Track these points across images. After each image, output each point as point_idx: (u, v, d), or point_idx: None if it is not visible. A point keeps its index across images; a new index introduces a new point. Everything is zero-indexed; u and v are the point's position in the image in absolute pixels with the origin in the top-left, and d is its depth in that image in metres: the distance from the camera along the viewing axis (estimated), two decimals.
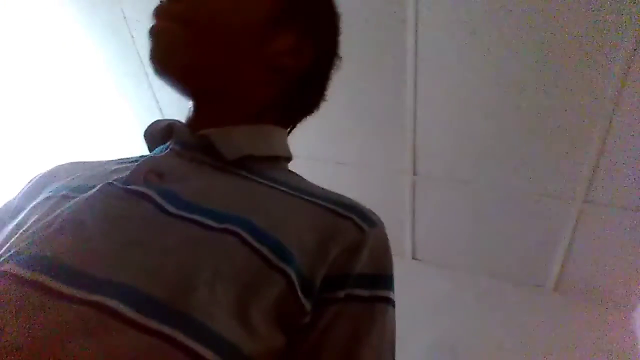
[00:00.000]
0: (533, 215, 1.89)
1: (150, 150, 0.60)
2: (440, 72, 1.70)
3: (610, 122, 1.54)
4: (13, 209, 0.56)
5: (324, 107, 0.68)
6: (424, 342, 1.94)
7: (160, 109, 2.35)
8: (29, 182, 0.61)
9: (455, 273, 2.20)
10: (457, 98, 1.73)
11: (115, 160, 0.59)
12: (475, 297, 2.10)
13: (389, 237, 0.55)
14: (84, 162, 0.60)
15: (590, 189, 1.71)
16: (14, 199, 0.59)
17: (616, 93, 1.48)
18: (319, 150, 2.10)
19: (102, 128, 2.57)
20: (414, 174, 2.00)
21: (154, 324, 0.39)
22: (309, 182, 0.57)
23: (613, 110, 1.52)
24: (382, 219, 0.55)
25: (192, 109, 0.60)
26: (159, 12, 0.55)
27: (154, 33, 0.55)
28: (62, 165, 0.61)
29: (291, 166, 0.65)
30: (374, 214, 0.54)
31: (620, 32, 1.39)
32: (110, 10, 2.08)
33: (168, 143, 0.55)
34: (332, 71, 0.65)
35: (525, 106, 1.64)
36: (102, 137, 2.59)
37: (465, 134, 1.80)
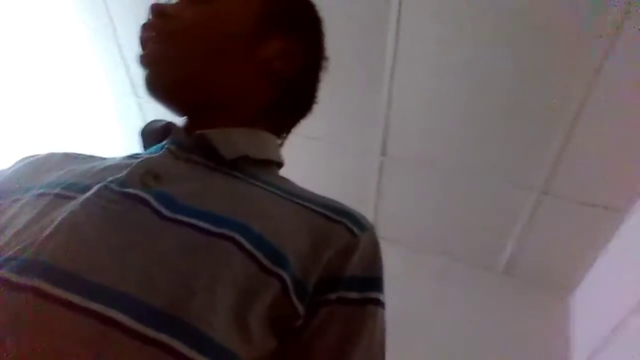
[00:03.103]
0: (492, 201, 1.97)
1: (145, 149, 0.60)
2: (419, 56, 1.69)
3: (576, 116, 1.61)
4: None
5: None
6: None
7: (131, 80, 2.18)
8: (19, 162, 0.59)
9: (410, 252, 2.26)
10: (433, 82, 1.74)
11: (109, 157, 0.59)
12: (428, 276, 2.19)
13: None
14: (77, 155, 0.60)
15: (550, 181, 1.80)
16: None
17: (585, 88, 1.54)
18: None
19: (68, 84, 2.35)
20: (383, 154, 2.01)
21: (152, 333, 0.39)
22: (300, 187, 0.59)
23: (580, 104, 1.58)
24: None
25: (186, 119, 0.61)
26: (145, 29, 0.57)
27: (144, 60, 0.57)
28: (54, 154, 0.60)
29: None
30: (365, 218, 0.56)
31: (595, 19, 1.42)
32: None
33: (164, 143, 0.55)
34: (321, 73, 0.68)
35: (496, 94, 1.68)
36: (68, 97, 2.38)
37: (437, 119, 1.83)
